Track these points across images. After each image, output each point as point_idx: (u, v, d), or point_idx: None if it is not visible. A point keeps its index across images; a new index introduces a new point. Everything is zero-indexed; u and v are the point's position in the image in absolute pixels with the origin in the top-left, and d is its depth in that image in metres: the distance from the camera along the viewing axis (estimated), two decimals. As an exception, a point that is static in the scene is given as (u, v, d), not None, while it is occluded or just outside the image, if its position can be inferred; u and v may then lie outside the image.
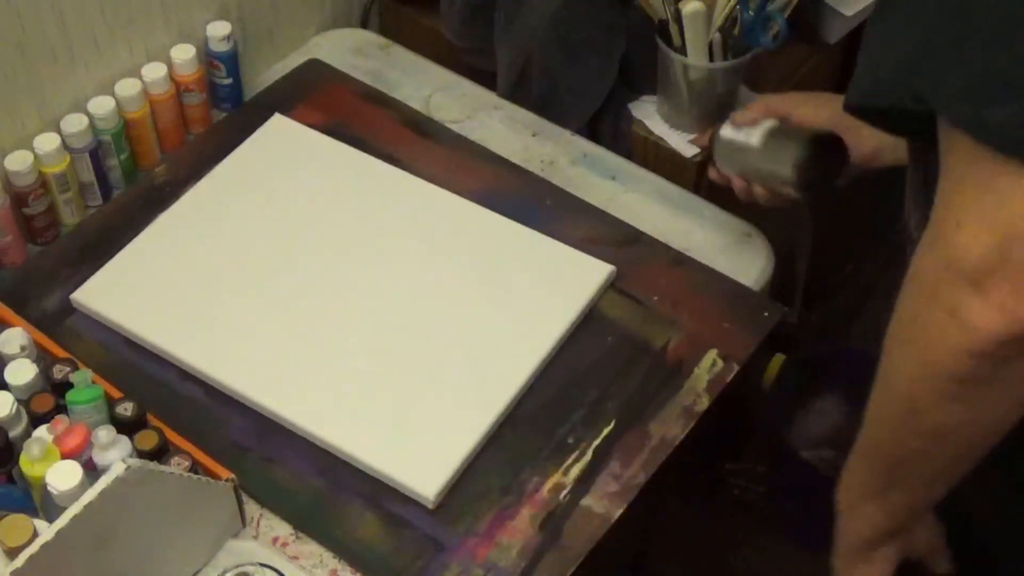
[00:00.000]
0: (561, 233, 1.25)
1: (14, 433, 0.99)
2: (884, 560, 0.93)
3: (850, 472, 0.92)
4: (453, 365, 1.14)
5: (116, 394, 1.03)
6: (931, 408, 0.78)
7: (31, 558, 0.84)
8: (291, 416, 1.10)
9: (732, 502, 1.96)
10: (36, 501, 0.95)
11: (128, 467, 0.88)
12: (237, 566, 0.99)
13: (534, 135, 1.40)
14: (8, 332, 1.06)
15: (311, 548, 1.04)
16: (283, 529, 1.05)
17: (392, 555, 1.03)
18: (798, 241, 1.61)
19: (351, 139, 1.35)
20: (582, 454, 1.10)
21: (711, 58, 1.34)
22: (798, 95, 1.22)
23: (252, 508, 1.06)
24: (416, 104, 1.42)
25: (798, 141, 1.14)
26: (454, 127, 1.39)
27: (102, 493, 0.87)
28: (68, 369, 1.04)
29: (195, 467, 0.99)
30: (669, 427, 1.12)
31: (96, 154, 1.27)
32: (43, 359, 1.07)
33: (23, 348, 1.06)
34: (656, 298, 1.22)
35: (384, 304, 1.19)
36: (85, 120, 1.25)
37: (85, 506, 0.87)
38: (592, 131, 1.43)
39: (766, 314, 1.21)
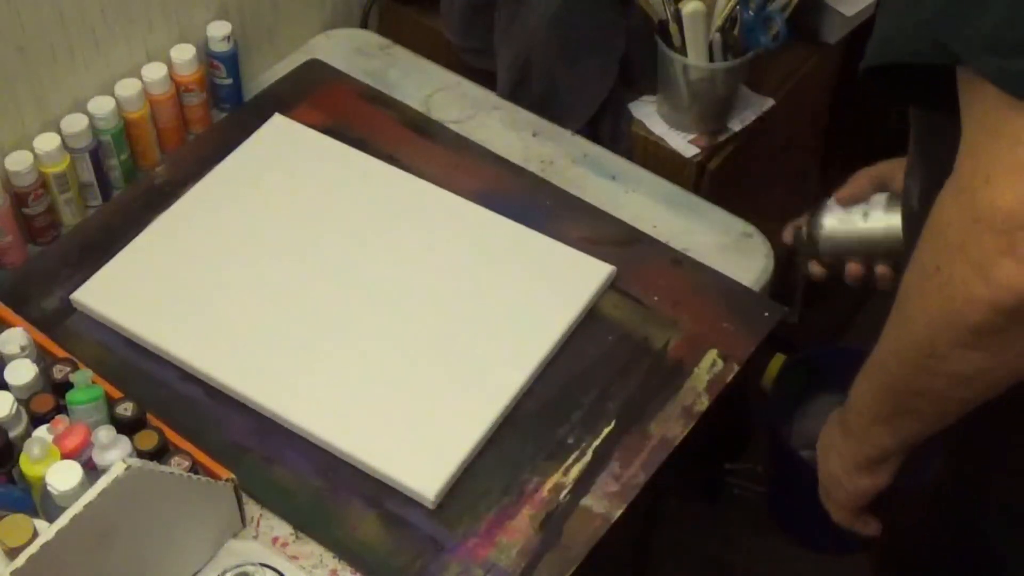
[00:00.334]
0: (561, 233, 1.25)
1: (14, 433, 0.99)
2: (887, 472, 0.94)
3: (859, 396, 0.92)
4: (453, 365, 1.14)
5: (116, 394, 1.03)
6: (949, 355, 0.78)
7: (31, 558, 0.84)
8: (291, 416, 1.10)
9: (732, 502, 1.96)
10: (36, 501, 0.95)
11: (128, 467, 0.88)
12: (237, 566, 0.99)
13: (534, 135, 1.40)
14: (8, 332, 1.06)
15: (311, 548, 1.04)
16: (283, 529, 1.05)
17: (392, 555, 1.03)
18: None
19: (351, 139, 1.35)
20: (582, 454, 1.10)
21: (711, 58, 1.34)
22: (892, 162, 1.16)
23: (252, 508, 1.06)
24: (416, 104, 1.42)
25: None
26: (454, 127, 1.39)
27: (102, 493, 0.87)
28: (68, 369, 1.04)
29: (195, 467, 0.99)
30: (669, 427, 1.12)
31: (96, 154, 1.27)
32: (43, 359, 1.07)
33: (23, 348, 1.06)
34: (656, 298, 1.22)
35: (384, 304, 1.19)
36: (85, 120, 1.25)
37: (85, 506, 0.87)
38: (592, 131, 1.43)
39: (766, 314, 1.21)
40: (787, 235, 1.23)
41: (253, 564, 0.99)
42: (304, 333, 1.16)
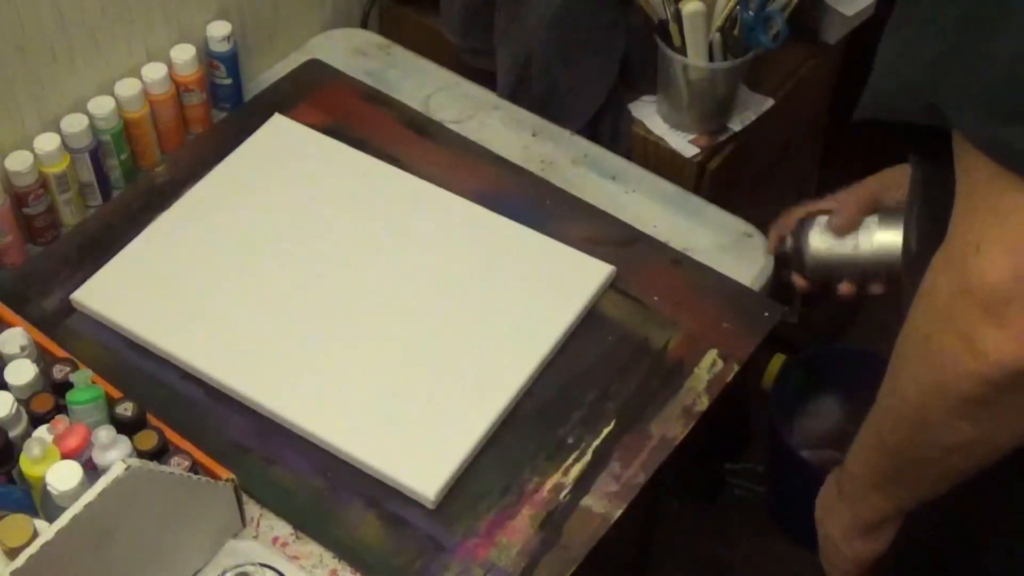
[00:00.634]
0: (561, 233, 1.25)
1: (14, 433, 0.99)
2: (884, 537, 0.93)
3: (855, 459, 0.91)
4: (453, 365, 1.14)
5: (116, 394, 1.03)
6: (941, 425, 0.77)
7: (31, 558, 0.84)
8: (291, 416, 1.10)
9: (732, 502, 1.96)
10: (36, 501, 0.95)
11: (128, 467, 0.88)
12: (237, 566, 0.99)
13: (534, 135, 1.40)
14: (8, 332, 1.06)
15: (311, 548, 1.04)
16: (283, 529, 1.05)
17: (392, 555, 1.03)
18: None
19: (351, 139, 1.35)
20: (582, 454, 1.10)
21: (711, 58, 1.34)
22: (882, 176, 1.17)
23: (252, 508, 1.06)
24: (416, 104, 1.42)
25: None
26: (454, 127, 1.39)
27: (102, 493, 0.87)
28: (68, 369, 1.04)
29: (195, 467, 0.99)
30: (669, 427, 1.12)
31: (96, 154, 1.27)
32: (43, 359, 1.07)
33: (23, 348, 1.06)
34: (656, 298, 1.22)
35: (384, 304, 1.19)
36: (85, 120, 1.25)
37: (85, 506, 0.87)
38: (592, 131, 1.43)
39: (766, 314, 1.21)
40: (771, 244, 1.24)
41: (253, 564, 0.99)
42: (304, 333, 1.16)
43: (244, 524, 1.05)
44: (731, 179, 1.43)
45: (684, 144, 1.40)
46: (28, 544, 0.85)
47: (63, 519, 0.86)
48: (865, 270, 1.16)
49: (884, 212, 1.15)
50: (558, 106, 1.42)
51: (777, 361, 1.81)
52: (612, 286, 1.22)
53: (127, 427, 0.99)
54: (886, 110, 0.77)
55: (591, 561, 1.04)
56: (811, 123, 1.69)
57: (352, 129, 1.37)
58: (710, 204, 1.33)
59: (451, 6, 1.49)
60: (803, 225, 1.18)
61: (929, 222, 0.84)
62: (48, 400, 1.02)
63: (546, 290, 1.20)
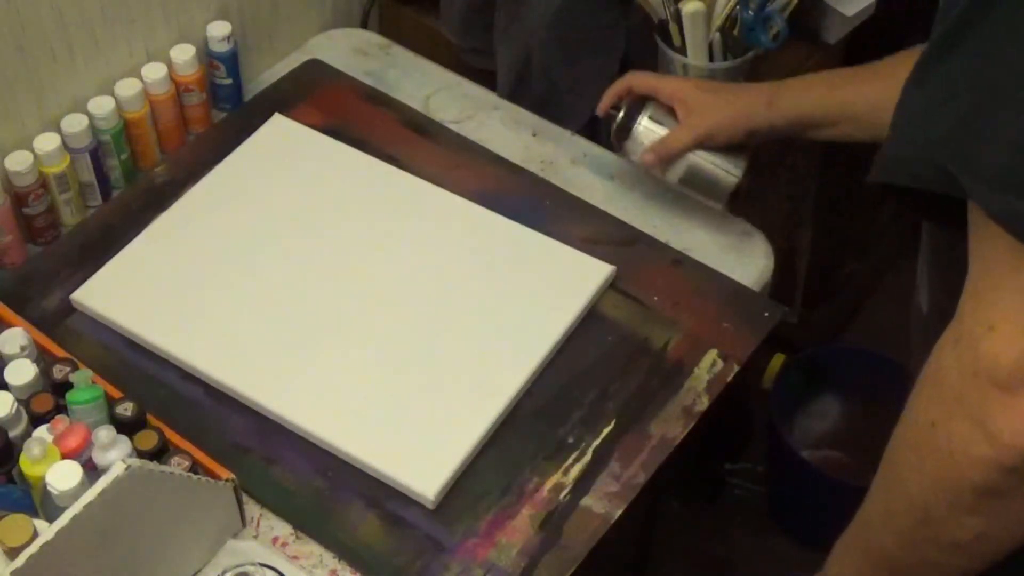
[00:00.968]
0: (561, 233, 1.25)
1: (14, 433, 0.99)
2: None
3: (845, 562, 0.84)
4: (453, 365, 1.14)
5: (116, 394, 1.03)
6: (946, 520, 0.73)
7: (31, 558, 0.84)
8: (291, 416, 1.10)
9: (732, 502, 1.96)
10: (36, 501, 0.95)
11: (128, 467, 0.88)
12: (237, 566, 0.99)
13: (534, 135, 1.40)
14: (8, 332, 1.06)
15: (311, 548, 1.04)
16: (283, 529, 1.05)
17: (392, 555, 1.03)
18: (798, 241, 1.61)
19: (351, 139, 1.35)
20: (582, 454, 1.10)
21: (711, 58, 1.34)
22: (657, 77, 1.24)
23: (252, 508, 1.06)
24: (416, 104, 1.42)
25: (721, 186, 1.21)
26: (454, 127, 1.39)
27: (102, 493, 0.87)
28: (68, 369, 1.04)
29: (195, 467, 0.99)
30: (669, 427, 1.12)
31: (96, 154, 1.27)
32: (43, 359, 1.07)
33: (23, 348, 1.06)
34: (656, 298, 1.22)
35: (384, 304, 1.19)
36: (85, 120, 1.25)
37: (85, 506, 0.87)
38: (592, 131, 1.43)
39: (766, 314, 1.21)
40: (604, 104, 1.26)
41: (253, 564, 0.99)
42: (304, 333, 1.16)
43: (244, 524, 1.05)
44: (731, 179, 1.43)
45: (684, 144, 1.40)
46: (28, 544, 0.85)
47: (63, 519, 0.86)
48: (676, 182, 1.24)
49: (701, 154, 1.21)
50: (558, 106, 1.42)
51: (777, 361, 1.81)
52: (612, 286, 1.22)
53: (127, 427, 0.99)
54: (901, 176, 0.73)
55: (591, 561, 1.04)
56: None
57: (352, 129, 1.37)
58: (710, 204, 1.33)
59: (451, 6, 1.49)
60: (635, 109, 1.23)
61: (941, 293, 0.81)
62: (48, 400, 1.02)
63: (546, 290, 1.20)
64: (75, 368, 1.04)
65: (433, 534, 1.04)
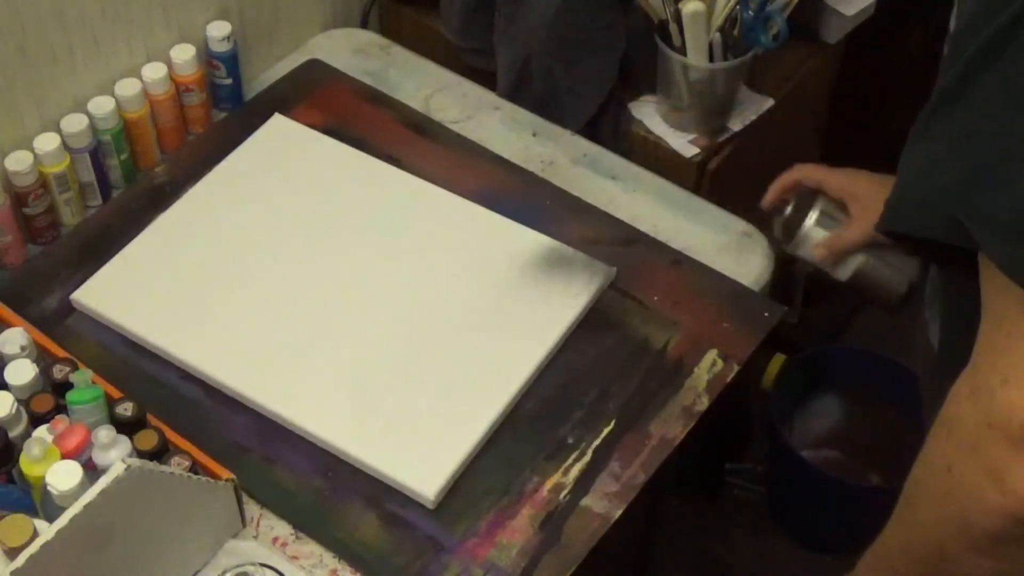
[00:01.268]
0: (561, 233, 1.25)
1: (14, 433, 0.99)
2: None
3: None
4: (453, 365, 1.14)
5: (116, 394, 1.03)
6: (962, 559, 0.74)
7: (31, 558, 0.84)
8: (291, 416, 1.10)
9: (732, 502, 1.96)
10: (36, 501, 0.95)
11: (128, 467, 0.88)
12: (237, 566, 0.99)
13: (534, 135, 1.40)
14: (8, 332, 1.06)
15: (311, 548, 1.04)
16: (283, 529, 1.05)
17: (392, 555, 1.03)
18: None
19: (351, 139, 1.35)
20: (582, 454, 1.10)
21: (711, 58, 1.34)
22: (827, 170, 1.18)
23: (252, 508, 1.06)
24: (416, 104, 1.42)
25: (892, 287, 1.16)
26: (454, 127, 1.39)
27: (102, 493, 0.87)
28: (68, 369, 1.04)
29: (195, 467, 0.99)
30: (669, 427, 1.12)
31: (96, 154, 1.27)
32: (43, 359, 1.07)
33: (23, 348, 1.06)
34: (656, 298, 1.22)
35: (384, 304, 1.19)
36: (85, 120, 1.25)
37: (85, 506, 0.87)
38: (592, 131, 1.43)
39: (766, 314, 1.21)
40: (770, 197, 1.22)
41: (253, 564, 0.99)
42: (304, 333, 1.16)
43: (244, 524, 1.05)
44: (731, 179, 1.43)
45: (684, 144, 1.40)
46: (28, 544, 0.85)
47: (63, 519, 0.86)
48: (829, 279, 1.19)
49: (874, 252, 1.16)
50: (558, 106, 1.42)
51: (777, 361, 1.81)
52: (612, 286, 1.22)
53: (127, 427, 0.99)
54: (909, 225, 0.74)
55: (591, 561, 1.04)
56: (811, 123, 1.69)
57: (352, 129, 1.37)
58: (710, 204, 1.33)
59: (451, 6, 1.49)
60: (804, 203, 1.19)
61: (951, 333, 0.81)
62: (48, 400, 1.02)
63: (546, 290, 1.20)
64: (75, 368, 1.04)
65: (433, 534, 1.04)
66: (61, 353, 1.07)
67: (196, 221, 1.26)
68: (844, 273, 1.18)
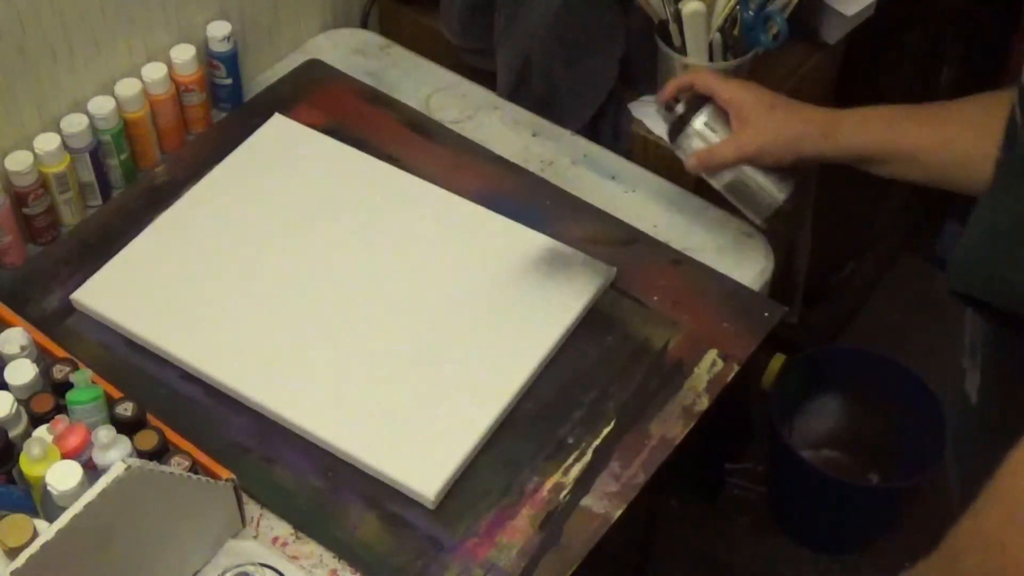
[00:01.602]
0: (561, 233, 1.25)
1: (14, 433, 0.99)
2: None
3: None
4: (453, 365, 1.14)
5: (116, 394, 1.03)
6: None
7: (31, 558, 0.84)
8: (291, 416, 1.10)
9: (732, 502, 1.96)
10: (36, 501, 0.95)
11: (128, 467, 0.88)
12: (237, 566, 0.99)
13: (534, 135, 1.40)
14: (8, 332, 1.06)
15: (311, 548, 1.04)
16: (283, 529, 1.05)
17: (392, 555, 1.03)
18: (798, 241, 1.61)
19: (351, 139, 1.35)
20: (582, 454, 1.10)
21: (711, 58, 1.34)
22: (720, 79, 1.22)
23: (252, 508, 1.06)
24: (416, 104, 1.42)
25: (763, 205, 1.21)
26: (454, 127, 1.39)
27: (102, 493, 0.87)
28: (68, 369, 1.04)
29: (195, 467, 0.99)
30: (669, 427, 1.12)
31: (96, 154, 1.27)
32: (43, 359, 1.07)
33: (23, 348, 1.06)
34: (656, 298, 1.22)
35: (384, 304, 1.19)
36: (85, 120, 1.25)
37: (85, 506, 0.87)
38: (592, 131, 1.43)
39: (766, 314, 1.21)
40: (665, 94, 1.25)
41: (253, 564, 0.99)
42: (304, 333, 1.16)
43: (244, 524, 1.05)
44: (731, 179, 1.43)
45: (684, 144, 1.40)
46: (28, 544, 0.85)
47: (63, 519, 0.86)
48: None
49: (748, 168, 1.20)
50: (558, 106, 1.42)
51: (777, 361, 1.81)
52: (612, 286, 1.22)
53: (127, 427, 0.99)
54: (970, 286, 0.73)
55: (591, 561, 1.04)
56: (811, 123, 1.69)
57: (352, 129, 1.37)
58: (710, 204, 1.33)
59: (451, 6, 1.49)
60: (692, 108, 1.22)
61: (993, 389, 0.80)
62: (48, 400, 1.02)
63: (546, 290, 1.20)
64: (75, 368, 1.04)
65: (433, 534, 1.04)
66: (61, 353, 1.07)
67: (196, 221, 1.26)
68: (718, 183, 1.23)
